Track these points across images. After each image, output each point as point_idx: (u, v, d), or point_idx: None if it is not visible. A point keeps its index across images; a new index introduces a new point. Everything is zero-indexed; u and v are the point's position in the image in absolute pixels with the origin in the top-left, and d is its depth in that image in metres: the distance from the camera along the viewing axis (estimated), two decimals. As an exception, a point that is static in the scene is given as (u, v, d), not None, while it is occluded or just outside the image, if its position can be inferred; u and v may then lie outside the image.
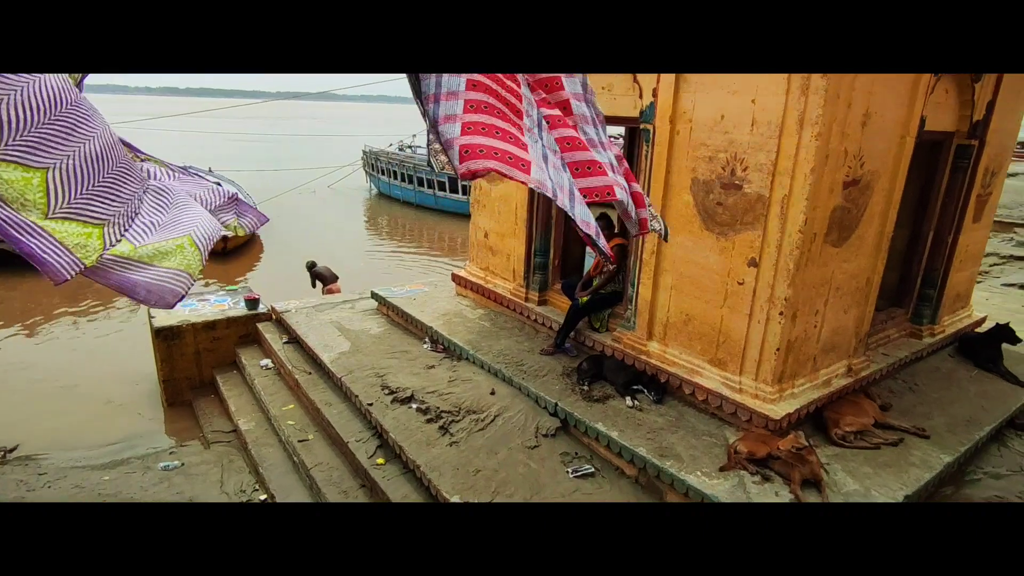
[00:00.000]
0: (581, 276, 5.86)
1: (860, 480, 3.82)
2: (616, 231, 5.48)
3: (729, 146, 4.14)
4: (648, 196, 4.62)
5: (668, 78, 4.40)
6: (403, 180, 23.09)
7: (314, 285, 9.55)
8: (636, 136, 4.97)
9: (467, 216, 20.63)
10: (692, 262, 4.53)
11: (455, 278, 7.28)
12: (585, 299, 5.41)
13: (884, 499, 3.65)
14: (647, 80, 4.59)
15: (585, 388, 4.90)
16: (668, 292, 4.76)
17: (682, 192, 4.50)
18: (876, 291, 4.71)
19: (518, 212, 6.19)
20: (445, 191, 21.39)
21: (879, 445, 4.19)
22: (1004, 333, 5.71)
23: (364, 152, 26.14)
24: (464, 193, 20.68)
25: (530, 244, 6.16)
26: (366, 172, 26.30)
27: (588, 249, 8.39)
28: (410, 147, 25.84)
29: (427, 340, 6.31)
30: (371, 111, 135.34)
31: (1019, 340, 5.73)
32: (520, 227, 6.19)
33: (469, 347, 5.74)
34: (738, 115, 4.05)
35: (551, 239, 6.09)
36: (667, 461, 3.95)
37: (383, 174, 24.40)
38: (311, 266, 9.55)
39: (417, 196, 22.58)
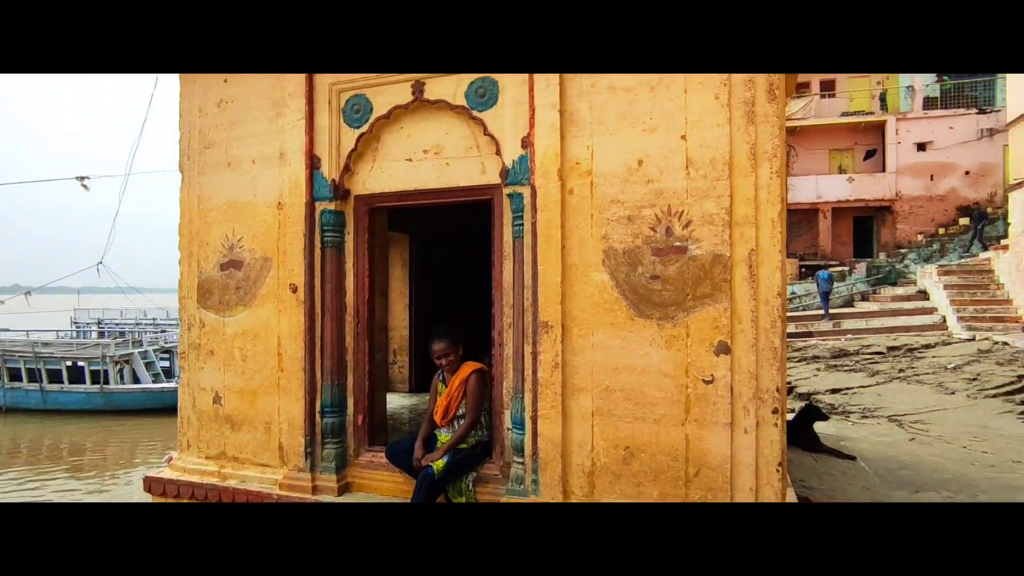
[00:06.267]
0: (412, 432, 3.82)
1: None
2: (462, 352, 3.73)
3: (657, 198, 3.06)
4: (537, 285, 3.17)
5: (547, 119, 3.21)
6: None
7: None
8: (492, 211, 3.56)
9: (103, 413, 15.20)
10: (623, 367, 3.12)
11: (153, 484, 4.20)
12: (442, 464, 3.39)
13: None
14: (508, 126, 3.32)
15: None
16: (588, 421, 3.19)
17: (590, 271, 3.18)
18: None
19: (284, 351, 3.89)
20: (62, 382, 15.47)
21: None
22: (813, 413, 5.78)
23: None
24: (98, 382, 15.32)
25: (312, 399, 3.85)
26: None
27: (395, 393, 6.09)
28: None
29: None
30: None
31: (827, 417, 5.87)
32: (291, 374, 3.86)
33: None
34: (663, 157, 3.05)
35: (348, 384, 3.92)
36: None
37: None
38: None
39: (7, 396, 15.78)
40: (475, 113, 3.41)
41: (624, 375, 3.12)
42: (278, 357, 3.91)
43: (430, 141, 3.60)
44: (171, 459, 4.44)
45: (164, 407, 15.32)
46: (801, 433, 5.68)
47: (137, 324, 25.52)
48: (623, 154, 3.11)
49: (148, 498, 4.25)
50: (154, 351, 17.69)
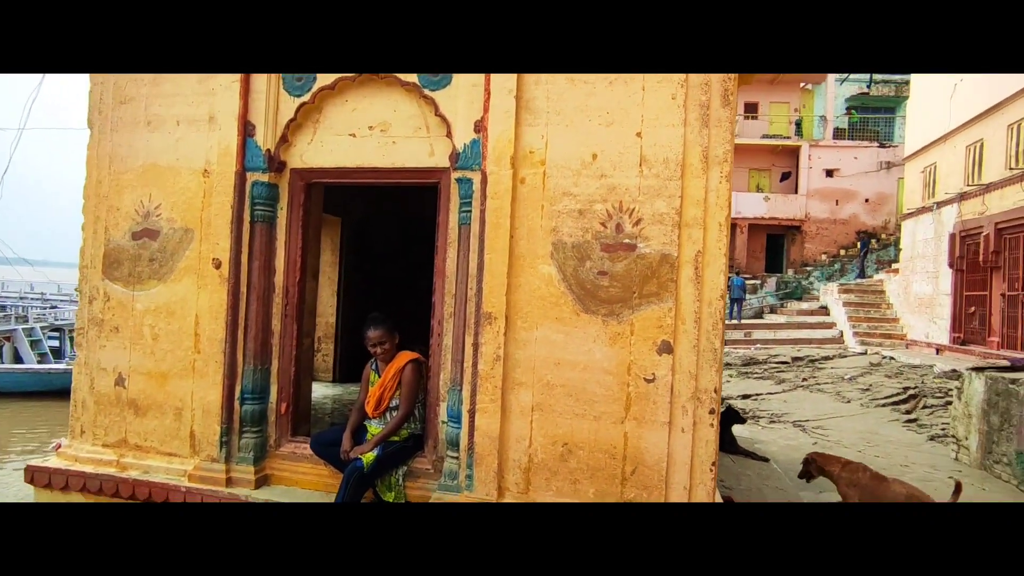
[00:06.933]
0: (335, 423, 3.61)
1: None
2: (398, 341, 3.56)
3: (609, 194, 3.04)
4: (482, 274, 3.09)
5: (502, 104, 3.12)
6: None
7: None
8: (438, 195, 3.42)
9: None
10: (566, 363, 3.08)
11: (36, 474, 3.76)
12: (372, 457, 3.22)
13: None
14: (461, 109, 3.21)
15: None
16: (528, 416, 3.13)
17: (538, 263, 3.12)
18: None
19: (203, 331, 3.58)
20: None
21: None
22: (733, 416, 6.00)
23: None
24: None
25: (231, 383, 3.56)
26: None
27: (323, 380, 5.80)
28: None
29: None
30: None
31: (745, 420, 6.12)
32: (209, 356, 3.56)
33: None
34: (618, 153, 3.03)
35: (273, 369, 3.66)
36: None
37: None
38: None
39: None
40: (427, 92, 3.27)
41: (566, 371, 3.08)
42: (195, 337, 3.60)
43: (377, 117, 3.42)
44: (59, 446, 4.00)
45: (52, 390, 13.93)
46: (721, 435, 5.88)
47: (22, 298, 23.18)
48: (578, 146, 3.08)
49: (30, 490, 3.80)
50: (41, 328, 16.06)
